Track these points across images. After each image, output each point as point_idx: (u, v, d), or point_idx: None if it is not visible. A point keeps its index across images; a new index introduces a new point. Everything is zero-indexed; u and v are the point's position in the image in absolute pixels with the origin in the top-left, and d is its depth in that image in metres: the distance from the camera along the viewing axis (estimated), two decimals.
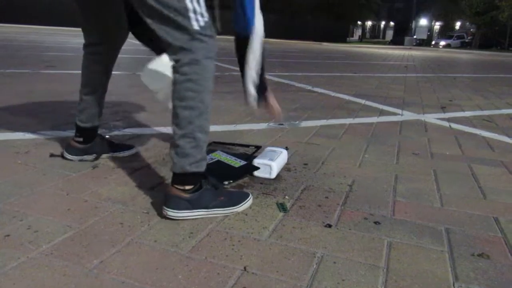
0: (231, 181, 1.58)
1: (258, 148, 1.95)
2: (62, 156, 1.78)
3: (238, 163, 1.72)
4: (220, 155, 1.82)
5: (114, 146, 1.86)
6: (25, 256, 1.05)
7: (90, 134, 1.76)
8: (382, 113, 3.32)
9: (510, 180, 1.85)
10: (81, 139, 1.75)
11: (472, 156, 2.21)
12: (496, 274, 1.11)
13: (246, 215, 1.36)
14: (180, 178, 1.29)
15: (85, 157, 1.77)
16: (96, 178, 1.60)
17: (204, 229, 1.25)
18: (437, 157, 2.16)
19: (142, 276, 1.00)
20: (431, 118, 3.21)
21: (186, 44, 1.22)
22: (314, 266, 1.09)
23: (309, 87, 4.60)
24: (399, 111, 3.44)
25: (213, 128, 2.50)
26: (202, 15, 1.23)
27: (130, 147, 1.91)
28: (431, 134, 2.66)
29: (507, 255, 1.21)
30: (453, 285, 1.05)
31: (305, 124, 2.77)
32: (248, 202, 1.41)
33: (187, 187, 1.29)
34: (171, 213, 1.27)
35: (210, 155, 1.84)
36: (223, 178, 1.61)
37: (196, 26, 1.22)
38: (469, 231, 1.34)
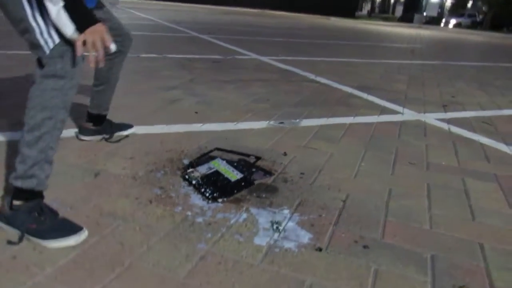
0: (225, 199, 1.64)
1: (258, 158, 2.00)
2: (77, 137, 2.15)
3: (235, 176, 1.77)
4: (219, 164, 1.87)
5: (119, 127, 2.25)
6: (31, 280, 1.12)
7: (99, 119, 2.16)
8: (383, 111, 3.33)
9: (500, 199, 1.90)
10: (91, 124, 2.15)
11: (467, 168, 2.25)
12: None
13: (241, 235, 1.42)
14: (13, 189, 1.32)
15: (97, 137, 2.16)
16: (98, 189, 1.65)
17: (200, 251, 1.31)
18: (433, 168, 2.20)
19: None
20: (432, 118, 3.22)
21: (36, 70, 1.30)
22: None
23: (313, 76, 4.58)
24: (400, 109, 3.45)
25: (213, 126, 2.54)
26: (50, 36, 1.25)
27: (130, 126, 2.31)
28: (430, 139, 2.69)
29: (487, 287, 1.27)
30: None
31: (305, 122, 2.80)
32: (66, 241, 1.27)
33: (15, 202, 1.31)
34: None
35: (210, 163, 1.89)
36: (219, 192, 1.66)
37: (46, 50, 1.25)
38: (454, 258, 1.40)
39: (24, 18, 1.25)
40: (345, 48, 8.16)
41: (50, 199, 1.53)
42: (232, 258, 1.30)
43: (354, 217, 1.62)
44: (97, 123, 2.16)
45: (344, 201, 1.74)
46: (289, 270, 1.26)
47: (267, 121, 2.75)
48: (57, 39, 1.26)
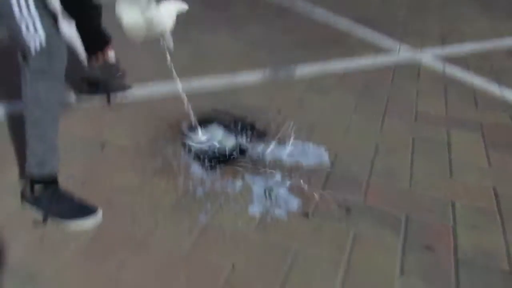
0: (222, 167, 1.79)
1: (252, 122, 2.10)
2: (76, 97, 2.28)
3: (231, 142, 1.90)
4: (216, 130, 1.99)
5: (115, 87, 2.30)
6: (60, 260, 1.33)
7: (92, 80, 2.24)
8: (379, 50, 3.32)
9: (480, 152, 2.03)
10: (85, 84, 2.25)
11: (454, 116, 2.35)
12: (434, 266, 1.38)
13: (237, 204, 1.60)
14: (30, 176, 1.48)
15: (93, 96, 2.26)
16: (106, 163, 1.81)
17: (201, 224, 1.50)
18: (421, 119, 2.31)
19: (153, 280, 1.28)
20: (428, 56, 3.22)
21: (22, 63, 1.37)
22: (289, 263, 1.36)
23: (310, 7, 4.45)
24: (397, 46, 3.43)
25: (209, 82, 2.60)
26: (37, 35, 1.30)
27: (128, 87, 2.35)
28: (422, 84, 2.75)
29: (450, 246, 1.47)
30: (397, 280, 1.32)
31: (299, 71, 2.85)
32: (85, 223, 1.45)
33: (35, 187, 1.46)
34: (25, 200, 1.51)
35: (207, 128, 2.01)
36: (217, 160, 1.81)
37: (32, 50, 1.31)
38: (426, 219, 1.59)
39: (11, 16, 1.28)
40: None
41: (64, 176, 1.69)
42: (230, 229, 1.49)
43: (341, 179, 1.78)
44: (91, 84, 2.28)
45: (332, 162, 1.89)
46: (278, 238, 1.46)
47: (262, 72, 2.80)
48: (43, 41, 1.32)
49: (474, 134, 2.19)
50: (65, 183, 1.63)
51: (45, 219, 1.46)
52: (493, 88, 2.74)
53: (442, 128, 2.23)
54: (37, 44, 1.31)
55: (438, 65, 3.08)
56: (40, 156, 1.44)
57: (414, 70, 2.97)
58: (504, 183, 1.80)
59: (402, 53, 3.30)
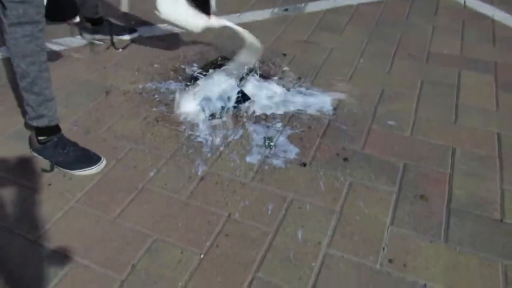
0: (224, 113, 1.80)
1: (257, 70, 2.06)
2: (81, 35, 2.32)
3: (234, 90, 1.89)
4: (220, 77, 1.96)
5: (120, 29, 2.31)
6: (67, 206, 1.41)
7: (95, 21, 2.24)
8: None
9: (490, 94, 1.97)
10: (89, 24, 2.25)
11: (468, 56, 2.24)
12: (426, 216, 1.41)
13: (237, 153, 1.64)
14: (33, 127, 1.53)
15: (97, 36, 2.28)
16: (110, 108, 1.84)
17: (201, 172, 1.55)
18: (432, 60, 2.21)
19: (153, 225, 1.36)
20: None
21: (1, 16, 1.34)
22: (283, 212, 1.41)
23: None
24: None
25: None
26: None
27: (133, 30, 2.34)
28: (439, 19, 2.60)
29: (444, 194, 1.48)
30: (387, 230, 1.37)
31: (310, 7, 2.71)
32: (89, 170, 1.51)
33: (40, 137, 1.53)
34: (32, 150, 1.58)
35: (212, 76, 1.98)
36: (219, 108, 1.82)
37: None
38: (424, 167, 1.59)
39: None
40: None
41: (69, 122, 1.76)
42: (228, 177, 1.54)
43: (341, 126, 1.77)
44: (95, 23, 2.25)
45: (334, 109, 1.87)
46: (275, 187, 1.50)
47: (271, 9, 2.68)
48: None
49: (486, 75, 2.10)
50: (70, 130, 1.68)
51: (51, 167, 1.53)
52: None
53: (453, 69, 2.14)
54: None
55: None
56: (36, 109, 1.47)
57: (433, 3, 2.79)
58: (509, 128, 1.76)
59: None
